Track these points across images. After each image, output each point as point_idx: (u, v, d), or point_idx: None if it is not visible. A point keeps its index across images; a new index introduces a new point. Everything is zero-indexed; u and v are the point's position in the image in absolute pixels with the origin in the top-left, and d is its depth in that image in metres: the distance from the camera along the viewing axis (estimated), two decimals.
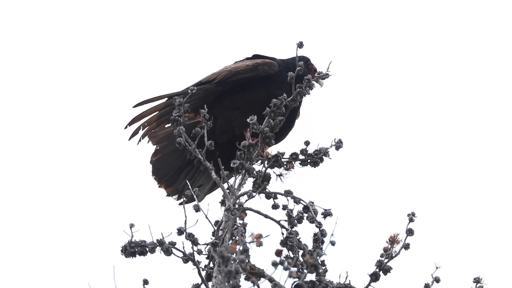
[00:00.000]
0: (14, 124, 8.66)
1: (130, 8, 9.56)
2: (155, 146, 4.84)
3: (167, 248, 4.08)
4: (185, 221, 4.13)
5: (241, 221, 3.94)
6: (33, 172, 8.18)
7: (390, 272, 4.17)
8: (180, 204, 4.92)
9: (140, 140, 4.77)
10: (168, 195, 4.89)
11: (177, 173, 4.89)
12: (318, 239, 4.16)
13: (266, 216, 4.21)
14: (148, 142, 4.83)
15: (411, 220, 4.22)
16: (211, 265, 4.19)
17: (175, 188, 4.89)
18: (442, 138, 8.42)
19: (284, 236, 4.16)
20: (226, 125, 4.80)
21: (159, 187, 4.89)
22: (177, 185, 4.89)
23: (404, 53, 9.06)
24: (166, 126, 4.82)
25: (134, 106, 4.73)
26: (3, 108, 8.81)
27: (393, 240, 4.19)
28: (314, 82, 4.50)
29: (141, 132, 4.77)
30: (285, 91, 4.35)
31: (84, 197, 7.49)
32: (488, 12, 9.34)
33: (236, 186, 4.26)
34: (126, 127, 4.76)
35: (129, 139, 4.78)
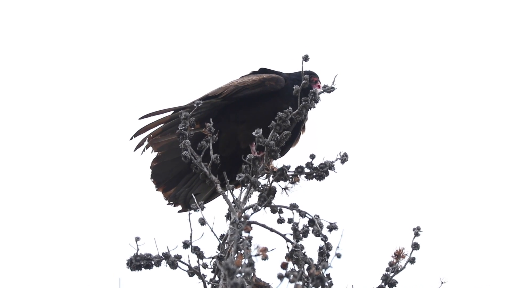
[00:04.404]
0: (17, 133, 8.70)
1: (138, 19, 9.63)
2: (156, 152, 4.86)
3: (173, 262, 4.08)
4: (191, 234, 4.13)
5: (246, 234, 3.93)
6: (39, 182, 8.19)
7: (395, 286, 4.17)
8: (179, 211, 4.95)
9: (144, 151, 4.80)
10: (165, 199, 4.92)
11: (176, 179, 4.90)
12: (324, 252, 4.15)
13: (271, 230, 4.21)
14: (151, 151, 4.84)
15: (416, 234, 4.21)
16: (217, 278, 4.18)
17: (173, 193, 4.91)
18: (448, 152, 8.40)
19: (290, 249, 4.15)
20: (230, 138, 4.81)
21: (156, 190, 4.91)
22: (176, 191, 4.91)
23: (410, 65, 9.07)
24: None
25: (140, 118, 4.75)
26: (12, 119, 8.85)
27: (398, 254, 4.18)
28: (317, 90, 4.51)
29: (145, 143, 4.79)
30: (291, 105, 4.36)
31: (89, 210, 7.50)
32: (488, 12, 9.35)
33: (241, 200, 4.26)
34: (131, 138, 4.78)
35: (134, 150, 4.80)
